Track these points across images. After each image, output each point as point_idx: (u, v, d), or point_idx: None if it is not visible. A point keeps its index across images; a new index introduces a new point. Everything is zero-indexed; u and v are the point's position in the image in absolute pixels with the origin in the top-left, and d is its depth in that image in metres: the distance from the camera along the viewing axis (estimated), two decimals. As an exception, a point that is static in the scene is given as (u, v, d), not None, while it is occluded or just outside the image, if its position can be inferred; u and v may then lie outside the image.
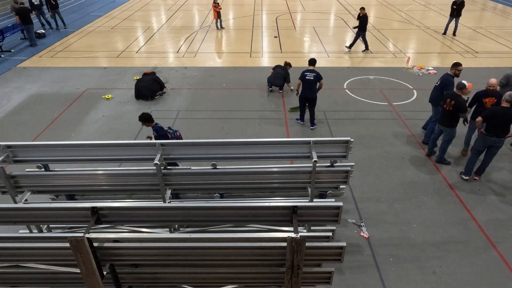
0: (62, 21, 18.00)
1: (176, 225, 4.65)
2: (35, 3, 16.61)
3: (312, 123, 9.25)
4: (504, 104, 6.66)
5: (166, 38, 16.50)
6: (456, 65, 7.95)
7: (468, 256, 5.69)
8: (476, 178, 7.37)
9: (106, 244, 3.27)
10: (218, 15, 17.38)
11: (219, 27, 17.82)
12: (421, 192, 7.03)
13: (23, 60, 13.84)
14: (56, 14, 17.63)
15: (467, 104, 7.41)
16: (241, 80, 12.09)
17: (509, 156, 8.11)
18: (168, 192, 4.78)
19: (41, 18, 17.14)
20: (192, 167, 4.84)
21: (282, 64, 11.40)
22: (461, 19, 19.19)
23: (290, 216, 3.51)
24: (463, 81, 7.32)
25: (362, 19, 14.20)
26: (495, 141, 6.84)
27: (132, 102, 10.59)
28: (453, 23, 16.33)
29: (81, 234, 3.04)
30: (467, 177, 7.37)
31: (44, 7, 17.47)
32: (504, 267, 5.52)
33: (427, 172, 7.59)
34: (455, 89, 7.36)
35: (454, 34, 16.61)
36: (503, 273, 5.43)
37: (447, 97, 7.40)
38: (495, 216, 6.48)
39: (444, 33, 16.88)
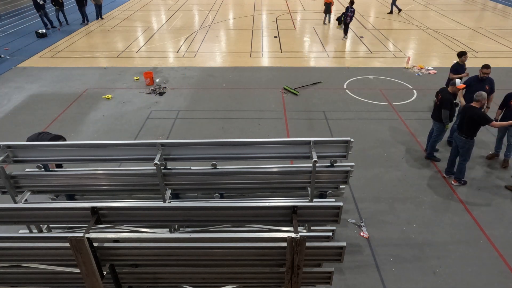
0: (65, 19, 18.30)
1: (176, 225, 4.65)
2: (40, 2, 16.65)
3: None
4: (473, 104, 6.67)
5: (166, 38, 16.50)
6: (484, 67, 7.73)
7: (468, 256, 5.69)
8: (453, 182, 7.23)
9: (106, 244, 3.27)
10: None
11: None
12: (421, 192, 7.03)
13: (23, 60, 13.84)
14: (60, 12, 17.80)
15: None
16: (241, 80, 12.09)
17: (509, 156, 8.11)
18: (168, 192, 4.78)
19: (44, 18, 17.20)
20: (192, 167, 4.84)
21: None
22: (461, 19, 19.23)
23: (290, 216, 3.51)
24: (457, 80, 7.33)
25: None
26: (460, 139, 6.83)
27: (132, 102, 10.59)
28: None
29: (81, 234, 3.04)
30: (447, 176, 7.38)
31: (48, 6, 17.64)
32: (504, 267, 5.52)
33: (427, 172, 7.58)
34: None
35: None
36: (503, 273, 5.43)
37: (438, 91, 7.54)
38: (495, 215, 6.48)
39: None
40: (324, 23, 19.32)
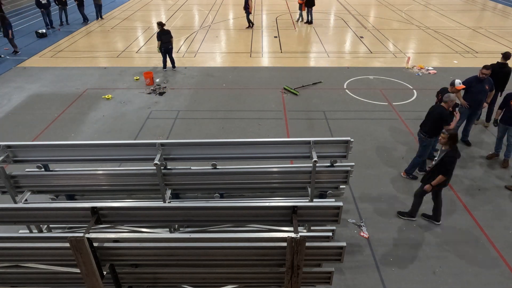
0: (66, 19, 18.37)
1: (176, 225, 4.65)
2: (43, 2, 16.64)
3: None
4: (442, 104, 6.76)
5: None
6: (484, 68, 7.72)
7: (468, 256, 5.69)
8: (402, 175, 7.44)
9: (106, 244, 3.27)
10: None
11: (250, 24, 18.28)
12: (421, 192, 7.03)
13: (23, 60, 13.84)
14: (63, 11, 17.88)
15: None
16: (241, 80, 12.09)
17: (509, 156, 8.10)
18: (168, 192, 4.78)
19: (47, 18, 17.22)
20: (192, 167, 4.84)
21: None
22: (461, 19, 19.23)
23: (290, 216, 3.51)
24: (457, 80, 7.33)
25: None
26: (420, 136, 7.03)
27: (132, 102, 10.59)
28: None
29: (81, 234, 3.04)
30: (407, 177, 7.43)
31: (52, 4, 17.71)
32: (504, 267, 5.52)
33: (427, 172, 7.58)
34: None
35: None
36: (503, 273, 5.43)
37: (438, 91, 7.62)
38: (495, 215, 6.48)
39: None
40: (297, 20, 19.09)
